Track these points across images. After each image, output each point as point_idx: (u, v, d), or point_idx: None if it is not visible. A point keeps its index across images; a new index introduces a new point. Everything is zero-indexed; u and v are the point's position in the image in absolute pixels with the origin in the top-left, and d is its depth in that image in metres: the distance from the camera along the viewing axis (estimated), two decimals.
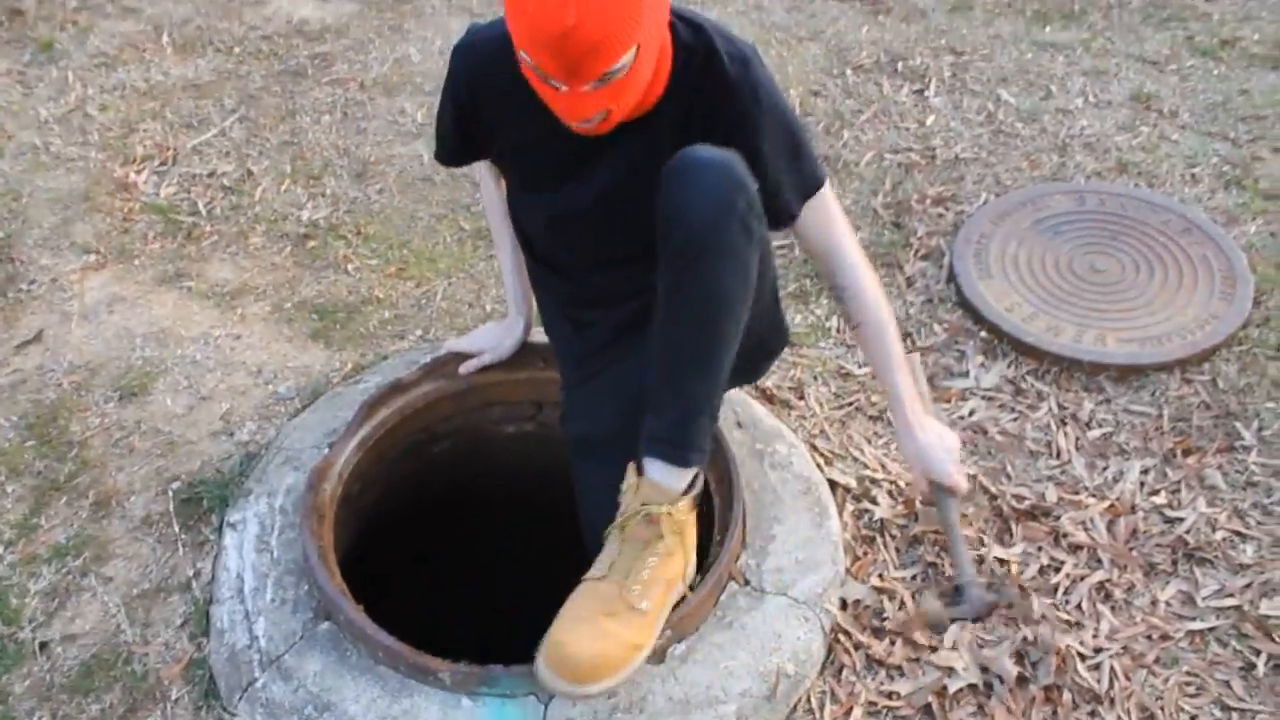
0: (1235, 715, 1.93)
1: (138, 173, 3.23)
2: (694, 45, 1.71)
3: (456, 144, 1.98)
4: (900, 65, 3.71)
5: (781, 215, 1.82)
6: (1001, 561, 2.15)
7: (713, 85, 1.71)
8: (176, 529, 2.20)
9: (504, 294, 2.36)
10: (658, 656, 1.83)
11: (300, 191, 3.16)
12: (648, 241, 1.71)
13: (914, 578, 2.10)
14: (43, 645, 2.02)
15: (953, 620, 2.02)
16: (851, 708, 1.89)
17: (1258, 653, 2.01)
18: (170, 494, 2.27)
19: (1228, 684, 1.97)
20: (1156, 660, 2.01)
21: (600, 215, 1.86)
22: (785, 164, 1.78)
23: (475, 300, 2.76)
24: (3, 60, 3.74)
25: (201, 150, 3.33)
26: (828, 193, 1.86)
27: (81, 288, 2.81)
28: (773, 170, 1.76)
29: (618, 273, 1.92)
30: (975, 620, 2.03)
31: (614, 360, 1.97)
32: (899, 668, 1.96)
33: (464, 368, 2.31)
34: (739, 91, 1.71)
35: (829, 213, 1.88)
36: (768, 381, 2.50)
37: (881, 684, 1.94)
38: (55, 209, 3.08)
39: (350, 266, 2.88)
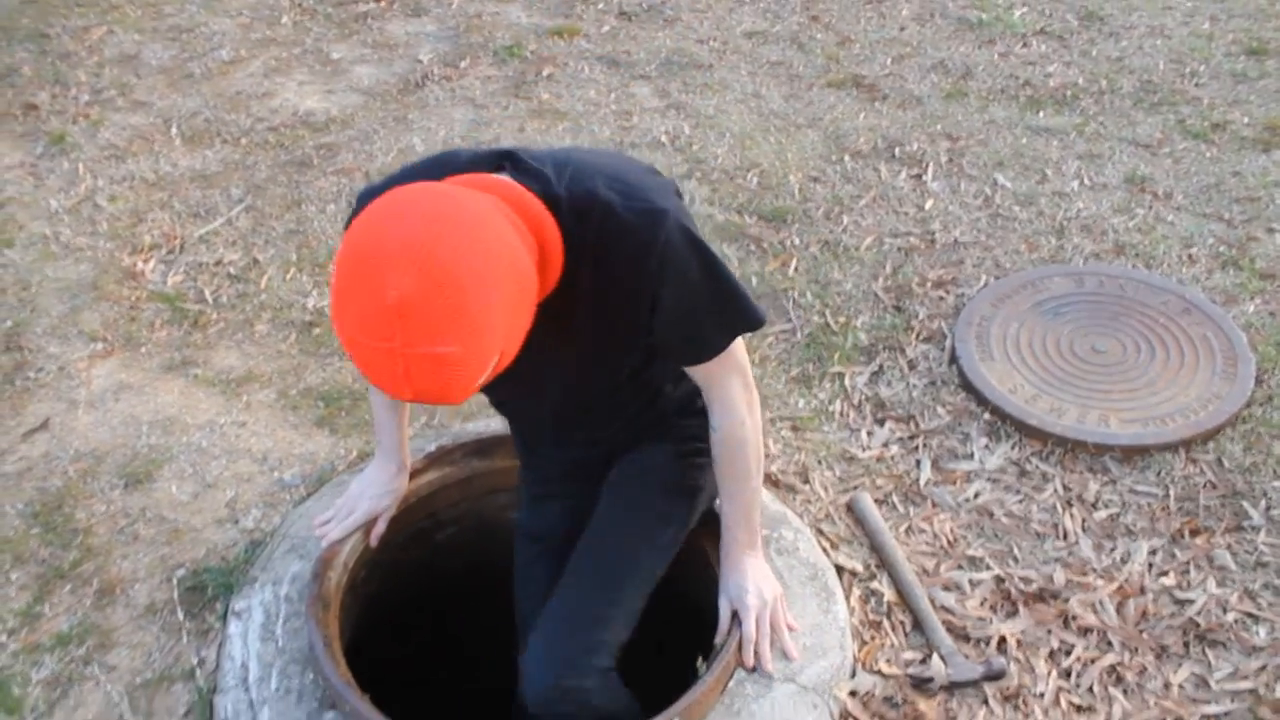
0: None
1: (145, 262, 3.27)
2: (586, 234, 1.52)
3: None
4: (897, 151, 3.77)
5: (704, 352, 1.74)
6: (1003, 640, 2.14)
7: (621, 255, 1.54)
8: (181, 617, 2.19)
9: (380, 437, 2.16)
10: None
11: (306, 280, 3.19)
12: (583, 403, 1.83)
13: (922, 660, 2.08)
14: None
15: (943, 686, 2.04)
16: None
17: None
18: (175, 582, 2.26)
19: None
20: None
21: (533, 384, 1.78)
22: (706, 310, 1.67)
23: None
24: (16, 153, 3.80)
25: (208, 239, 3.38)
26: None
27: (88, 376, 2.83)
28: (694, 317, 1.67)
29: (562, 426, 1.96)
30: (959, 686, 2.05)
31: (568, 493, 2.05)
32: None
33: (375, 535, 2.16)
34: (649, 259, 1.54)
35: (732, 358, 1.79)
36: (772, 466, 2.50)
37: None
38: (64, 298, 3.11)
39: None
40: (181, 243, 3.36)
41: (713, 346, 1.74)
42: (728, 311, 1.71)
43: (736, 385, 1.81)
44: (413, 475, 2.25)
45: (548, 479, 2.10)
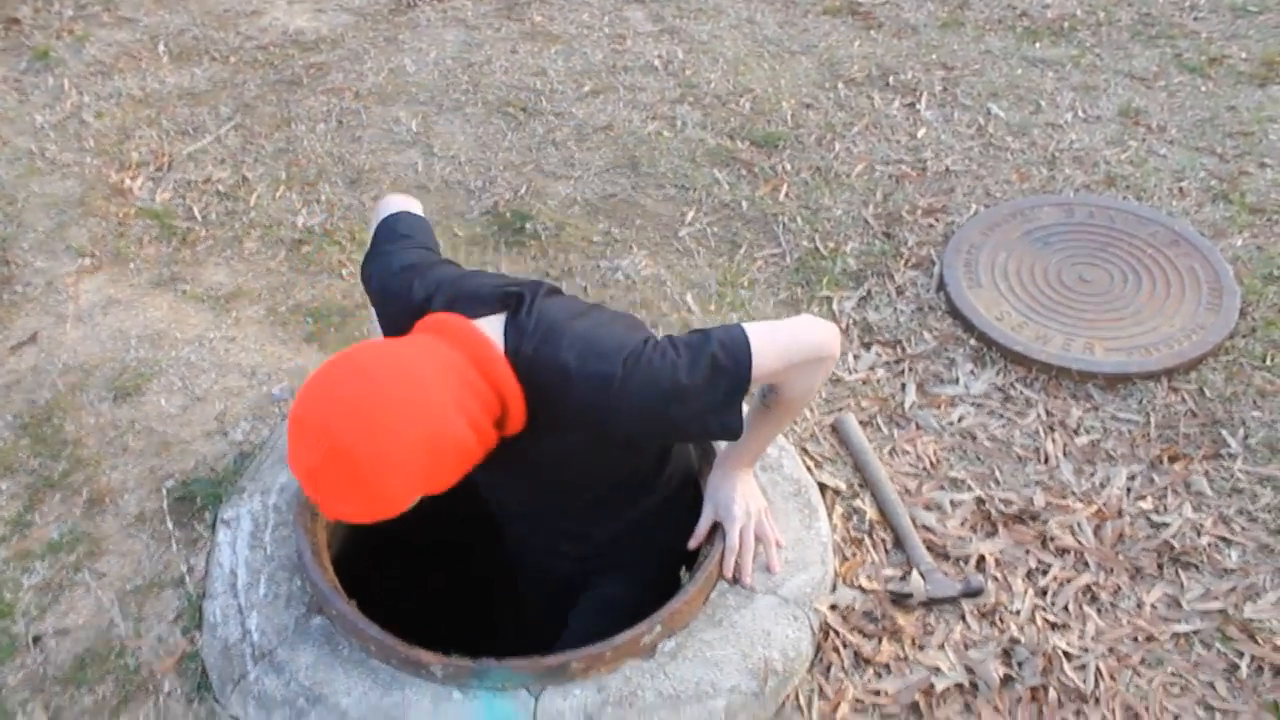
0: (1218, 715, 1.95)
1: (133, 179, 3.25)
2: (543, 392, 1.57)
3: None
4: (891, 79, 3.75)
5: (729, 433, 1.66)
6: (982, 559, 2.18)
7: (589, 414, 1.57)
8: (170, 526, 2.21)
9: None
10: (648, 652, 1.85)
11: (295, 198, 3.18)
12: (541, 502, 1.90)
13: (902, 577, 2.12)
14: (36, 638, 2.03)
15: (922, 601, 2.08)
16: (839, 704, 1.91)
17: (1241, 654, 2.04)
18: (164, 492, 2.28)
19: (1211, 685, 1.99)
20: (1142, 661, 2.03)
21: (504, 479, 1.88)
22: (700, 420, 1.62)
23: None
24: None
25: (197, 157, 3.35)
26: (758, 352, 1.62)
27: (76, 290, 2.83)
28: (696, 428, 1.65)
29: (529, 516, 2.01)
30: (938, 603, 2.08)
31: (537, 605, 2.20)
32: (886, 666, 1.97)
33: None
34: (619, 414, 1.56)
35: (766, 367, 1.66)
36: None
37: (869, 682, 1.95)
38: (50, 213, 3.09)
39: (344, 271, 2.90)
40: (170, 160, 3.33)
41: (729, 429, 1.65)
42: (714, 411, 1.61)
43: (795, 371, 1.70)
44: None
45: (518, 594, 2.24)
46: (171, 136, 3.44)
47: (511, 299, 1.61)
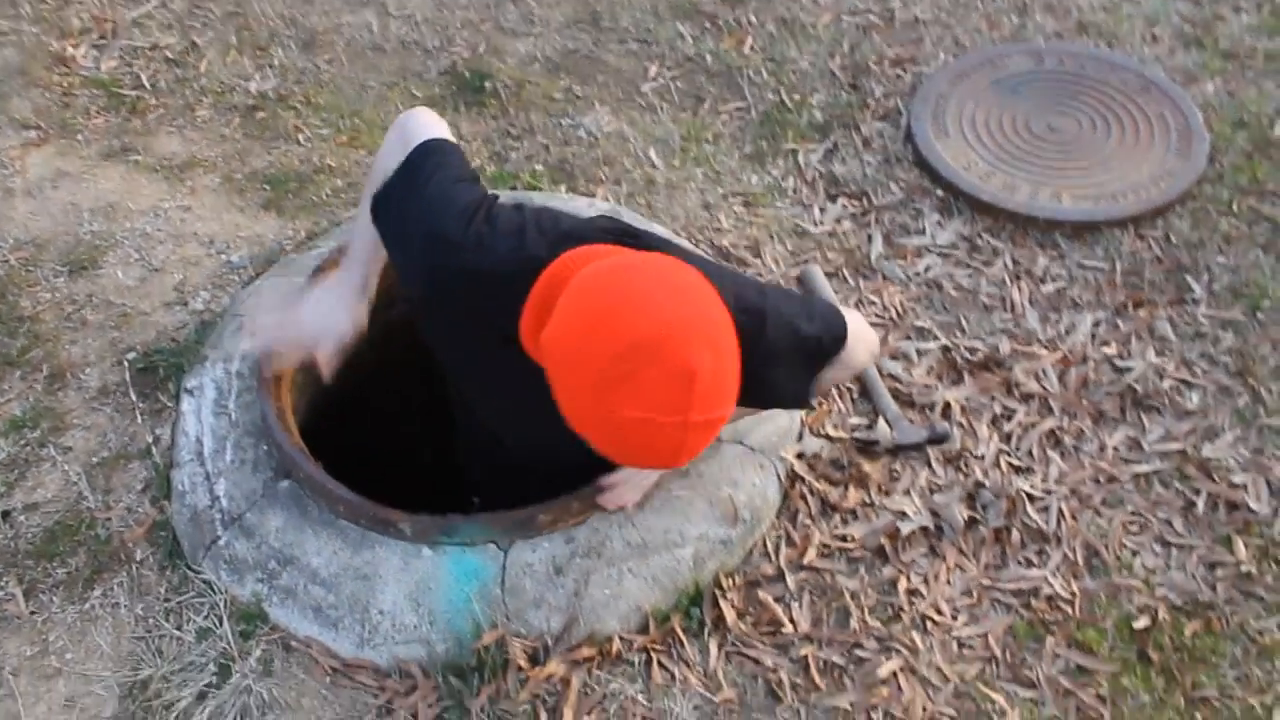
0: (1174, 550, 2.00)
1: (75, 47, 3.13)
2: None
3: None
4: None
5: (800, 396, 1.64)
6: (947, 406, 2.19)
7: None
8: (134, 398, 2.20)
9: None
10: None
11: (247, 63, 3.08)
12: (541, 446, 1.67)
13: (869, 425, 2.14)
14: (5, 514, 2.02)
15: (888, 448, 2.10)
16: (806, 550, 1.94)
17: (1198, 492, 2.08)
18: (126, 364, 2.26)
19: (1169, 522, 2.04)
20: (1103, 501, 2.07)
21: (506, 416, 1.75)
22: (793, 370, 1.58)
23: None
24: None
25: (142, 23, 3.23)
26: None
27: (23, 164, 2.75)
28: (784, 384, 1.59)
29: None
30: (904, 449, 2.10)
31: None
32: (853, 512, 2.01)
33: (329, 373, 1.76)
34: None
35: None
36: (724, 240, 2.50)
37: (835, 528, 1.98)
38: None
39: (301, 137, 2.82)
40: (114, 26, 3.21)
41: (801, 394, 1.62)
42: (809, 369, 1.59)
43: (835, 373, 1.66)
44: None
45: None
46: (114, 2, 3.31)
47: (624, 236, 1.49)
